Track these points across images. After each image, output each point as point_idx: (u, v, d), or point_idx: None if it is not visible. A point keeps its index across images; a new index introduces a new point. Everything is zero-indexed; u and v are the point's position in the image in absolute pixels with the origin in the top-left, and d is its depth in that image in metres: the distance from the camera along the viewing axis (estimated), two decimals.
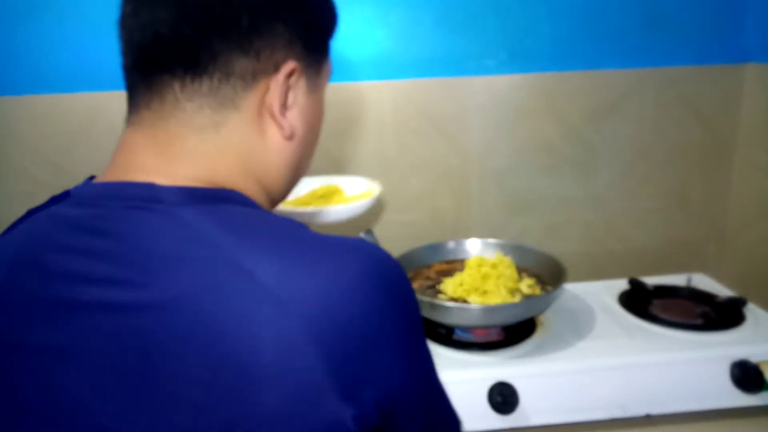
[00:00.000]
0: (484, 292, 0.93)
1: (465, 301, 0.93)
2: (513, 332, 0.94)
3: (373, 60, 1.09)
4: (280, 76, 0.49)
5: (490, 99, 1.13)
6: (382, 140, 1.13)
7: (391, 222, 1.17)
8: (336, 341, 0.39)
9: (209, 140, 0.47)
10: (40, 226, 0.46)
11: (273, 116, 0.50)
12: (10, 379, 0.41)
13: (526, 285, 0.97)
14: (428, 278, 1.03)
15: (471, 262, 1.00)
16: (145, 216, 0.43)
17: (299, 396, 0.38)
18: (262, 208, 0.49)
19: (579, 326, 0.96)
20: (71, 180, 0.51)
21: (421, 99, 1.11)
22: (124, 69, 0.49)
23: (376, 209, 1.16)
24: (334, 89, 1.07)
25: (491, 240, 1.10)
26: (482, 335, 0.94)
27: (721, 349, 0.88)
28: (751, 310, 0.98)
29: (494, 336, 0.94)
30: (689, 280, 1.09)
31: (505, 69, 1.11)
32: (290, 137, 0.51)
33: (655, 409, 0.85)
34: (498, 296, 0.92)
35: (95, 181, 0.48)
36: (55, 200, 0.48)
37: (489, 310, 0.88)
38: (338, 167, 1.13)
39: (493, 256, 1.03)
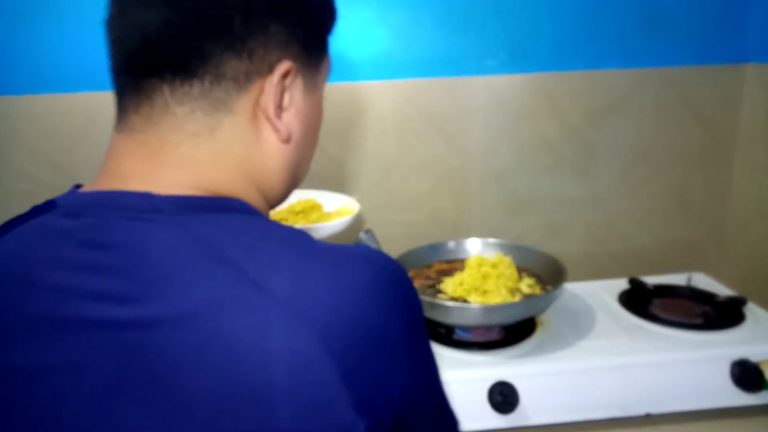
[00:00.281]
0: (485, 292, 0.93)
1: (465, 301, 0.93)
2: (513, 332, 0.94)
3: (373, 60, 1.09)
4: (275, 77, 0.47)
5: (490, 99, 1.13)
6: (383, 140, 1.13)
7: (392, 222, 1.17)
8: (353, 352, 0.38)
9: (202, 145, 0.45)
10: (28, 239, 0.43)
11: (268, 118, 0.48)
12: (6, 403, 0.38)
13: (527, 285, 0.97)
14: (428, 278, 1.03)
15: (471, 262, 1.00)
16: (144, 227, 0.41)
17: (315, 410, 0.36)
18: (264, 217, 0.47)
19: (579, 326, 0.96)
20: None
21: (421, 99, 1.12)
22: (112, 72, 0.47)
23: (376, 209, 1.16)
24: (334, 89, 1.07)
25: (491, 240, 1.10)
26: (482, 335, 0.94)
27: (721, 348, 0.88)
28: (751, 309, 0.98)
29: (494, 335, 0.94)
30: (689, 279, 1.09)
31: (506, 69, 1.11)
32: (287, 140, 0.49)
33: (656, 409, 0.85)
34: (498, 296, 0.92)
35: (83, 190, 0.46)
36: (38, 210, 0.46)
37: (489, 309, 0.88)
38: (338, 167, 1.13)
39: (493, 255, 1.03)
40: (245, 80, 0.46)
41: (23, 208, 0.48)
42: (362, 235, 1.04)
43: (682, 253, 1.23)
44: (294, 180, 0.54)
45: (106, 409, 0.37)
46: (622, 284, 1.09)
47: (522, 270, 1.02)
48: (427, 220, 1.18)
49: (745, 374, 0.84)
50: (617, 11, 1.10)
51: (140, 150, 0.45)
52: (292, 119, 0.49)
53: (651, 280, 1.08)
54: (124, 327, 0.37)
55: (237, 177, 0.47)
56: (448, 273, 1.03)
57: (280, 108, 0.48)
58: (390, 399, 0.40)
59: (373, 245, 1.04)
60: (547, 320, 0.98)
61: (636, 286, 1.07)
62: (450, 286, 0.97)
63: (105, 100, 1.06)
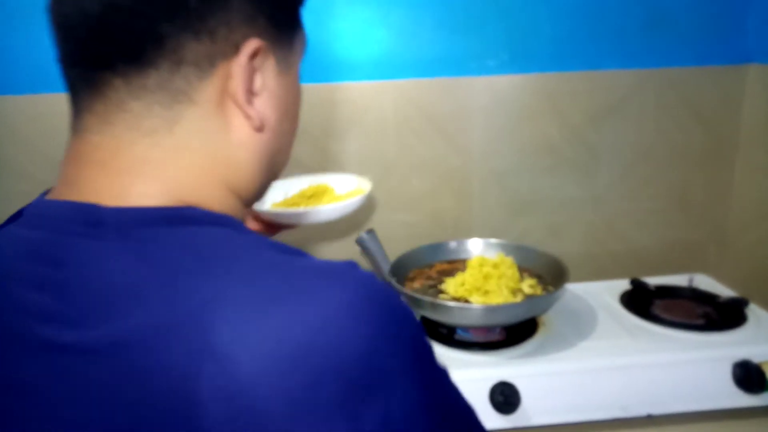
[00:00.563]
0: (486, 292, 0.93)
1: (467, 301, 0.93)
2: (514, 332, 0.94)
3: (373, 60, 1.09)
4: (242, 57, 0.41)
5: (491, 99, 1.13)
6: (383, 140, 1.13)
7: (393, 222, 1.17)
8: (326, 392, 0.32)
9: (160, 144, 0.40)
10: (2, 249, 0.41)
11: (238, 105, 0.42)
12: None
13: (528, 285, 0.97)
14: (430, 278, 1.03)
15: (473, 262, 1.00)
16: (89, 245, 0.37)
17: None
18: (232, 228, 0.41)
19: (581, 326, 0.96)
20: None
21: (422, 99, 1.11)
22: (61, 64, 0.42)
23: (377, 209, 1.16)
24: (335, 89, 1.07)
25: (493, 240, 1.10)
26: (484, 335, 0.94)
27: (723, 349, 0.87)
28: (753, 310, 0.98)
29: (496, 336, 0.94)
30: (691, 280, 1.09)
31: (506, 69, 1.11)
32: (260, 128, 0.44)
33: (657, 410, 0.85)
34: (500, 296, 0.92)
35: (48, 197, 0.43)
36: (12, 218, 0.44)
37: (490, 310, 0.88)
38: (339, 167, 1.13)
39: (494, 256, 1.03)
40: (208, 65, 0.40)
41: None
42: (363, 235, 1.04)
43: (683, 253, 1.23)
44: (271, 173, 0.49)
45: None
46: (623, 285, 1.09)
47: (523, 270, 1.02)
48: (428, 220, 1.18)
49: (747, 375, 0.84)
50: (618, 11, 1.10)
51: (94, 154, 0.41)
52: (265, 104, 0.44)
53: (652, 280, 1.08)
54: (65, 350, 0.35)
55: (201, 177, 0.42)
56: (450, 273, 1.03)
57: (250, 92, 0.43)
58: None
59: (374, 245, 1.04)
60: (549, 320, 0.98)
61: (637, 286, 1.07)
62: (451, 286, 0.97)
63: None
